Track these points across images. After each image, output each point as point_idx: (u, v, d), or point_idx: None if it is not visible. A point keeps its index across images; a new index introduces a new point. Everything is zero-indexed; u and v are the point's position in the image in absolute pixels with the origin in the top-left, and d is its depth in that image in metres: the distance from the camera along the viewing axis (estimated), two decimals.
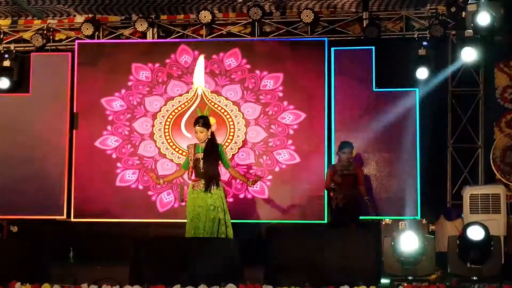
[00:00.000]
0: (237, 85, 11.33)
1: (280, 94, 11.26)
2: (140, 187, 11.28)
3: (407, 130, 10.95)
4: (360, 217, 9.92)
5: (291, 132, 11.19)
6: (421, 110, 10.97)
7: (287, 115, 11.22)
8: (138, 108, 11.43)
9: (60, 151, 11.44)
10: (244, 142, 11.23)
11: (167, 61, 11.46)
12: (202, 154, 8.81)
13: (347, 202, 9.76)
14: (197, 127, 8.85)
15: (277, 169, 11.16)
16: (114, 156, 11.37)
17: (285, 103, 11.23)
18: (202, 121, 8.94)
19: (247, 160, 11.19)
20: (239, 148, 11.21)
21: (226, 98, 11.29)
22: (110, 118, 11.44)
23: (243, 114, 11.26)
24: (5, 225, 11.06)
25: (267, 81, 11.29)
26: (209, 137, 8.90)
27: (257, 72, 11.32)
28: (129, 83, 11.48)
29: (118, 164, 11.35)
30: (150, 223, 11.07)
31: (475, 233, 8.09)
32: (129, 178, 11.31)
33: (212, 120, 9.34)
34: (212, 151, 8.84)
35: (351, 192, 9.81)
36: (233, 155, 11.18)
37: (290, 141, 11.17)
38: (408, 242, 7.95)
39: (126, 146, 11.38)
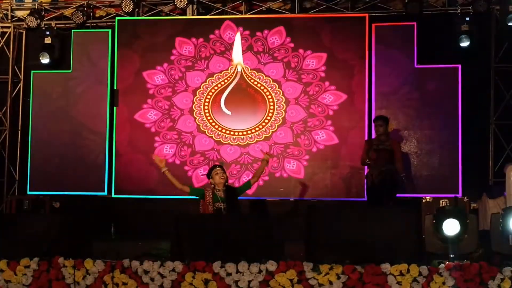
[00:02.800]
0: (279, 63, 11.28)
1: (322, 74, 11.19)
2: (177, 161, 11.32)
3: (449, 107, 10.86)
4: (398, 195, 9.80)
5: (331, 113, 11.13)
6: (464, 86, 10.85)
7: (328, 96, 11.16)
8: (180, 83, 11.45)
9: (101, 128, 11.53)
10: (283, 121, 11.19)
11: (211, 36, 11.45)
12: (224, 204, 8.41)
13: (382, 178, 9.60)
14: (217, 168, 8.56)
15: (314, 149, 11.12)
16: (153, 130, 11.43)
17: (327, 83, 11.16)
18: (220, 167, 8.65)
19: (285, 139, 11.17)
20: (278, 126, 11.18)
21: (267, 76, 11.26)
22: (150, 91, 11.48)
23: (283, 92, 11.21)
24: (47, 201, 11.17)
25: (310, 61, 11.22)
26: (225, 187, 8.52)
27: (301, 51, 11.25)
28: (172, 57, 11.48)
29: (157, 138, 11.41)
30: (191, 200, 11.06)
31: None
32: (166, 152, 11.35)
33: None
34: (233, 199, 8.48)
35: (387, 168, 9.63)
36: (273, 132, 11.18)
37: (329, 122, 11.11)
38: (451, 227, 7.85)
39: (165, 120, 11.41)
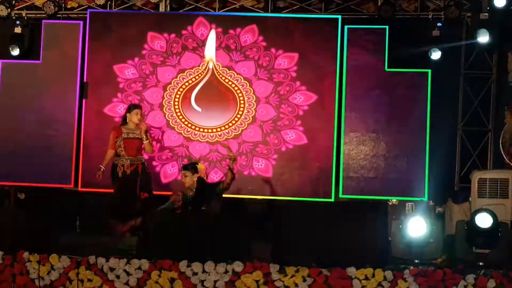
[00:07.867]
0: (251, 62, 11.27)
1: (294, 74, 11.20)
2: (145, 156, 11.25)
3: (418, 111, 10.92)
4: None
5: (301, 113, 11.15)
6: (433, 91, 10.92)
7: (298, 96, 11.17)
8: (150, 78, 11.39)
9: (69, 120, 11.43)
10: (253, 119, 11.20)
11: (184, 32, 11.40)
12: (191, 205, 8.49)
13: (134, 169, 9.35)
14: (183, 171, 8.59)
15: (283, 148, 11.14)
16: None
17: (298, 83, 11.18)
18: (190, 165, 8.69)
19: (254, 138, 11.16)
20: (248, 124, 11.18)
21: (238, 74, 11.24)
22: (121, 85, 11.40)
23: (254, 90, 11.22)
24: (12, 192, 11.09)
25: (281, 60, 11.22)
26: (196, 185, 8.61)
27: (273, 50, 11.25)
28: (143, 52, 11.43)
29: None
30: (158, 196, 11.01)
31: (484, 221, 8.04)
32: None
33: (201, 166, 9.03)
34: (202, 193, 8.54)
35: (138, 158, 9.44)
36: (242, 130, 11.17)
37: (299, 122, 11.14)
38: (417, 227, 7.93)
39: None
